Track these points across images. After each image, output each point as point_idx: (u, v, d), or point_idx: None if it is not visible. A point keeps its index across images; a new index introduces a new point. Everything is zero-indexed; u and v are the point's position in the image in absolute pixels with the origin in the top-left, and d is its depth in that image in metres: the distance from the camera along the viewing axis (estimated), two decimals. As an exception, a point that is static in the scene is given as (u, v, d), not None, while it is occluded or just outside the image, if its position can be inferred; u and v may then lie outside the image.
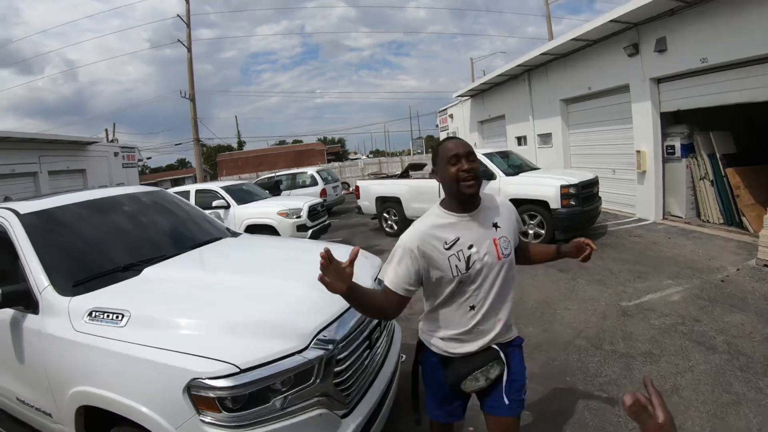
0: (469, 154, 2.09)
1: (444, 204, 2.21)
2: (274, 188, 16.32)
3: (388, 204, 12.36)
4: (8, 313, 3.13)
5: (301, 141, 66.54)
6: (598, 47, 12.30)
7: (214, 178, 45.44)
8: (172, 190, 12.25)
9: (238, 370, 2.21)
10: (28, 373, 3.11)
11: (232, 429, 2.22)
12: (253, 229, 10.44)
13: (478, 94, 21.81)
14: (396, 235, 12.00)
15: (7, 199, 5.59)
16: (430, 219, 2.17)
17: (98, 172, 23.31)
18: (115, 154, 25.29)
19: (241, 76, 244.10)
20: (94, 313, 2.70)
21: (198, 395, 2.21)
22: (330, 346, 2.52)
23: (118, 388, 2.45)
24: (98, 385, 2.53)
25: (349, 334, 2.72)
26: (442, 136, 28.63)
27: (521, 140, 17.98)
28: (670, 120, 10.75)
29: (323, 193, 17.89)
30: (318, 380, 2.42)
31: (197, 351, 2.30)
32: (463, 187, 2.06)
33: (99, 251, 3.63)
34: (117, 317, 2.62)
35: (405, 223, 11.88)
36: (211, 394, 2.18)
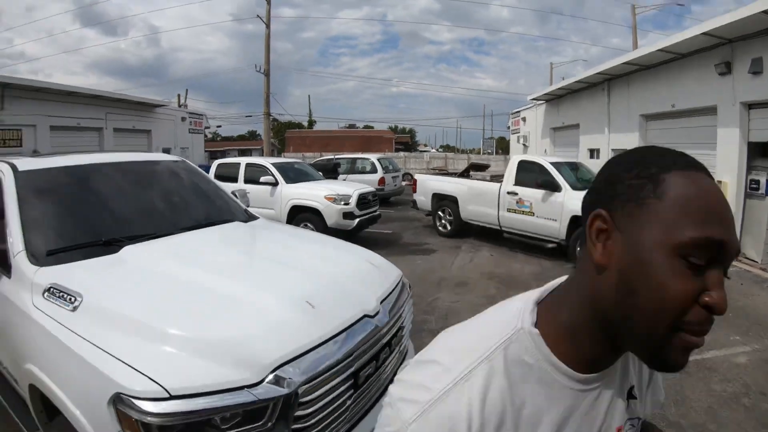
0: (737, 252, 0.73)
1: (550, 331, 0.82)
2: (331, 171, 15.89)
3: (445, 202, 11.83)
4: None
5: (372, 127, 66.73)
6: (686, 62, 11.24)
7: (281, 152, 45.98)
8: (221, 161, 12.40)
9: (167, 395, 1.81)
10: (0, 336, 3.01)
11: None
12: (298, 210, 10.21)
13: (553, 99, 20.73)
14: (449, 236, 11.57)
15: (35, 152, 5.50)
16: (506, 367, 0.78)
17: (163, 134, 24.21)
18: (183, 119, 26.21)
19: (320, 57, 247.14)
20: (52, 289, 2.47)
21: (123, 412, 1.84)
22: (291, 387, 2.01)
23: (55, 378, 2.20)
24: (42, 369, 2.30)
25: (324, 371, 2.18)
26: (513, 139, 27.59)
27: (594, 153, 16.92)
28: (758, 152, 9.60)
29: (381, 181, 17.62)
30: (270, 423, 1.97)
31: (131, 360, 1.93)
32: (676, 349, 0.71)
33: (87, 220, 3.39)
34: (69, 299, 2.36)
35: (459, 224, 11.42)
36: (134, 416, 1.80)
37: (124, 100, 21.36)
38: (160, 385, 1.82)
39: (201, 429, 1.85)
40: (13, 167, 3.44)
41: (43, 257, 2.80)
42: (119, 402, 1.84)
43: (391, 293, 3.02)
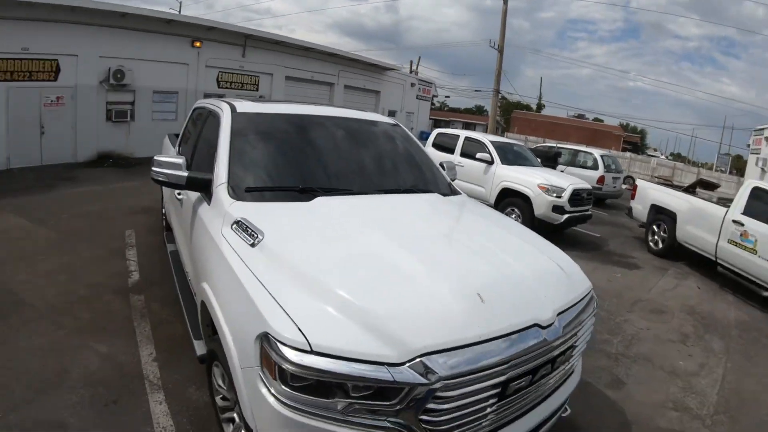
0: None
1: None
2: (551, 159, 15.21)
3: (662, 216, 10.39)
4: (197, 194, 3.45)
5: (601, 120, 63.46)
6: None
7: (504, 132, 46.05)
8: (441, 130, 12.75)
9: (308, 348, 1.82)
10: (191, 251, 3.49)
11: (282, 405, 1.89)
12: (508, 193, 10.01)
13: (808, 121, 17.76)
14: (659, 254, 10.26)
15: (261, 97, 6.25)
16: None
17: (391, 96, 25.67)
18: (412, 84, 27.53)
19: (556, 39, 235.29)
20: (240, 222, 2.66)
21: (265, 351, 1.93)
22: (431, 378, 1.87)
23: (220, 301, 2.45)
24: (213, 289, 2.58)
25: (472, 372, 1.99)
26: (751, 160, 23.91)
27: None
28: None
29: (601, 180, 16.31)
30: (399, 407, 1.87)
31: (287, 306, 1.98)
32: None
33: (289, 166, 3.56)
34: (252, 235, 2.52)
35: (672, 244, 9.97)
36: (274, 358, 1.86)
37: (358, 60, 22.47)
38: (306, 338, 1.84)
39: (331, 389, 1.86)
40: (233, 108, 3.78)
41: (241, 192, 3.05)
42: (265, 341, 1.93)
43: (572, 306, 2.62)
